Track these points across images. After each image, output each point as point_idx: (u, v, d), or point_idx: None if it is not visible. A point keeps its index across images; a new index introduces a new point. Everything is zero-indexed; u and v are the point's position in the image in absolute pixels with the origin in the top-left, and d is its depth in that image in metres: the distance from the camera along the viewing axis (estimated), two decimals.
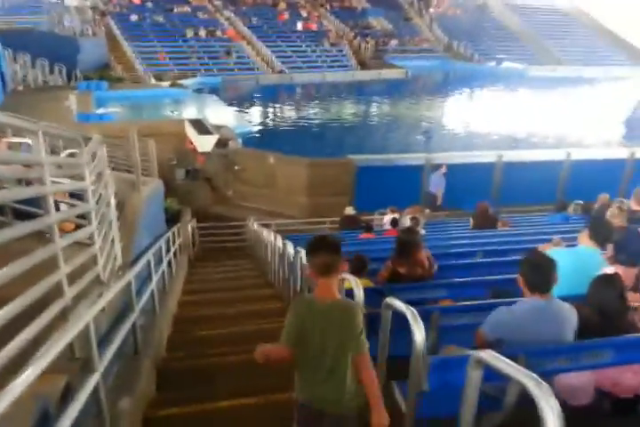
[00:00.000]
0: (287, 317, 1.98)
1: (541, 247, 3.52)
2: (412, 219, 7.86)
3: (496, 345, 2.46)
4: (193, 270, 9.14)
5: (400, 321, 2.40)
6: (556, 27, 38.27)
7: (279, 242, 6.92)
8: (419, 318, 2.25)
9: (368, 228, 7.80)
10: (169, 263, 6.22)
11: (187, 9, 31.12)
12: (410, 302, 3.08)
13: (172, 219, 10.06)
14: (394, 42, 33.31)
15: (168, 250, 6.28)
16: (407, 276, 3.97)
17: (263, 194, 12.51)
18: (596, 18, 40.38)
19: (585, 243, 3.33)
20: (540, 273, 2.41)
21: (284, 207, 12.12)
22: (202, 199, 13.20)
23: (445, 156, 12.90)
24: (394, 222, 8.03)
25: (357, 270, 4.16)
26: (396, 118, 21.66)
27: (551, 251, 3.32)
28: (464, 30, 35.87)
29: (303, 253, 5.00)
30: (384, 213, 10.49)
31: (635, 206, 6.59)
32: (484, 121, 20.73)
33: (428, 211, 11.36)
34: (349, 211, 9.42)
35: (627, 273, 3.26)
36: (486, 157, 13.27)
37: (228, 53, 27.71)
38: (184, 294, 6.99)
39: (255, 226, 9.54)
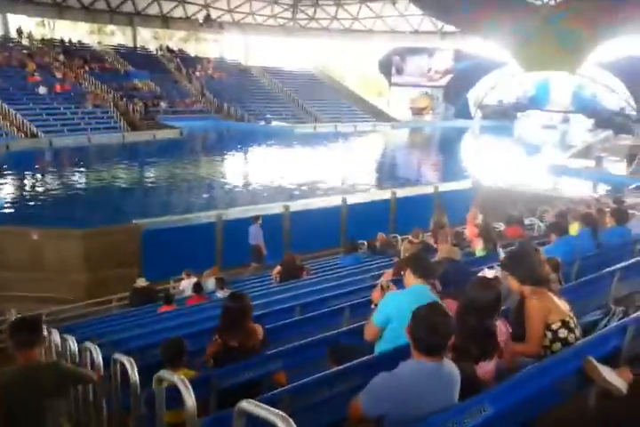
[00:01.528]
0: None
1: (375, 294, 3.20)
2: (218, 279, 7.16)
3: (380, 424, 1.96)
4: None
5: None
6: (309, 89, 42.87)
7: (56, 338, 5.45)
8: None
9: (167, 298, 6.79)
10: None
11: None
12: (243, 386, 2.49)
13: None
14: (164, 103, 32.91)
15: None
16: (240, 348, 3.30)
17: (28, 278, 10.27)
18: (339, 81, 46.62)
19: (412, 282, 3.12)
20: (436, 332, 2.00)
21: (57, 290, 10.07)
22: None
23: (237, 210, 12.61)
24: (197, 287, 7.16)
25: (172, 360, 3.30)
26: (176, 178, 20.85)
27: (390, 296, 3.02)
28: (231, 92, 37.58)
29: (94, 348, 3.85)
30: (179, 280, 9.51)
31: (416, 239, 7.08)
32: (266, 174, 21.35)
33: (253, 265, 10.82)
34: (141, 282, 8.20)
35: (455, 306, 3.12)
36: (273, 208, 13.43)
37: None
38: None
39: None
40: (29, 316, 2.89)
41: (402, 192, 15.48)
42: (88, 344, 4.00)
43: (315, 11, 44.17)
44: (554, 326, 2.73)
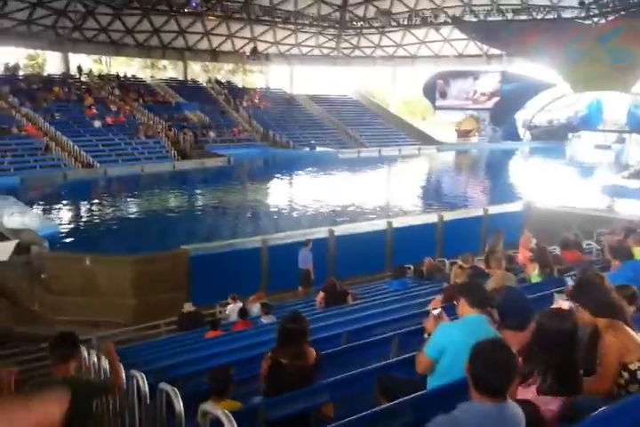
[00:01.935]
0: None
1: (428, 324, 3.01)
2: (263, 305, 7.09)
3: None
4: None
5: None
6: (353, 115, 43.30)
7: (104, 363, 5.50)
8: None
9: (214, 324, 6.76)
10: None
11: None
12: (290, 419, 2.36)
13: None
14: (212, 133, 33.98)
15: None
16: (291, 367, 3.23)
17: (81, 302, 10.56)
18: (383, 106, 46.86)
19: (467, 312, 2.91)
20: (498, 372, 1.83)
21: (109, 314, 10.32)
22: (0, 320, 10.66)
23: (282, 235, 12.64)
24: (242, 312, 7.11)
25: (219, 390, 3.23)
26: (224, 204, 21.26)
27: (443, 327, 2.83)
28: (277, 121, 38.45)
29: (140, 376, 3.84)
30: (225, 304, 9.54)
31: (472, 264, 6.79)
32: (311, 199, 21.42)
33: (300, 289, 10.80)
34: (188, 307, 8.24)
35: (515, 338, 2.89)
36: (318, 233, 13.39)
37: (46, 149, 25.73)
38: None
39: None
40: (65, 332, 3.04)
41: (450, 215, 15.16)
42: (134, 372, 3.98)
43: (359, 39, 44.94)
44: (631, 366, 2.45)
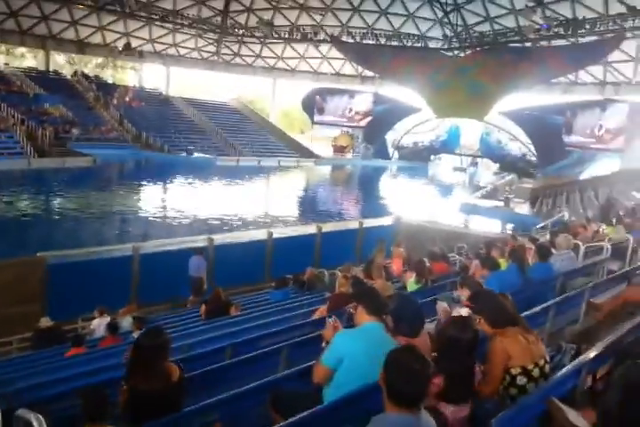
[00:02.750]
0: None
1: (326, 332, 2.96)
2: (136, 319, 6.55)
3: None
4: None
5: None
6: (233, 123, 42.88)
7: None
8: None
9: (76, 340, 6.08)
10: None
11: None
12: None
13: None
14: (76, 130, 31.22)
15: None
16: (149, 391, 2.89)
17: None
18: (263, 116, 47.12)
19: (364, 319, 2.93)
20: (416, 382, 1.80)
21: None
22: None
23: (156, 243, 11.92)
24: (112, 327, 6.49)
25: (94, 415, 2.85)
26: (88, 209, 19.55)
27: (341, 335, 2.80)
28: (151, 122, 36.57)
29: None
30: (90, 318, 8.69)
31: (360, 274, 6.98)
32: (187, 207, 20.61)
33: (191, 299, 10.14)
34: (45, 322, 7.34)
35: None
36: (195, 242, 12.90)
37: None
38: None
39: None
40: None
41: (328, 227, 15.55)
42: None
43: (239, 47, 44.76)
44: (513, 371, 2.65)
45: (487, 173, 40.53)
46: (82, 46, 39.36)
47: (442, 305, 3.45)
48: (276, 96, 49.80)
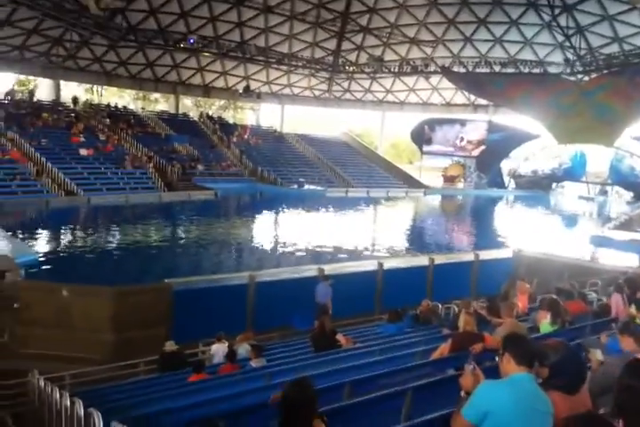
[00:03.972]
0: None
1: (465, 380, 2.63)
2: (254, 347, 6.61)
3: None
4: None
5: None
6: (342, 156, 43.79)
7: (66, 402, 5.04)
8: None
9: (197, 366, 6.25)
10: None
11: None
12: None
13: None
14: (200, 166, 33.84)
15: None
16: None
17: (54, 336, 9.86)
18: (372, 148, 47.58)
19: (513, 370, 2.53)
20: None
21: (83, 350, 9.61)
22: None
23: (272, 272, 12.22)
24: (231, 355, 6.61)
25: None
26: (209, 238, 20.76)
27: (487, 386, 2.46)
28: (266, 157, 38.60)
29: (96, 415, 3.51)
30: (209, 344, 8.98)
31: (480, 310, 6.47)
32: (299, 237, 21.08)
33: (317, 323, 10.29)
34: (170, 346, 7.69)
35: (564, 403, 2.54)
36: (306, 271, 13.03)
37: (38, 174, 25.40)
38: None
39: (42, 382, 7.08)
40: None
41: (440, 258, 14.93)
42: (92, 411, 3.69)
43: (350, 83, 46.05)
44: None
45: (619, 202, 36.85)
46: (207, 90, 43.08)
47: (595, 354, 2.97)
48: (385, 128, 50.21)
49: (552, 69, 36.23)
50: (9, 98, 33.37)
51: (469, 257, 15.16)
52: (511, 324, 5.17)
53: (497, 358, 2.64)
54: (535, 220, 30.76)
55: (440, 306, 11.01)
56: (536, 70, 36.88)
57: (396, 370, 4.73)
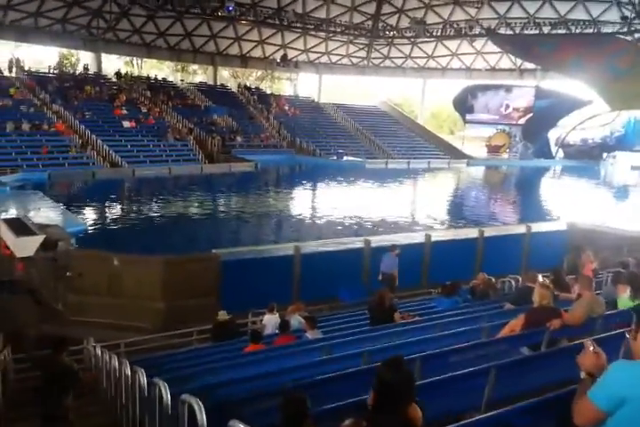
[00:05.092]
0: None
1: (585, 359, 2.28)
2: (308, 319, 6.46)
3: None
4: None
5: None
6: (381, 126, 42.78)
7: (127, 370, 5.02)
8: None
9: (255, 336, 6.14)
10: None
11: (7, 102, 28.03)
12: None
13: None
14: (240, 138, 33.73)
15: None
16: None
17: (106, 303, 10.05)
18: (412, 118, 46.26)
19: None
20: None
21: (134, 318, 9.78)
22: (22, 318, 10.18)
23: (317, 243, 12.07)
24: (284, 326, 6.49)
25: (296, 421, 2.61)
26: (251, 210, 20.76)
27: (620, 366, 2.13)
28: (304, 129, 38.09)
29: (162, 385, 3.43)
30: (258, 313, 8.94)
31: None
32: (343, 209, 20.78)
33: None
34: (223, 316, 7.63)
35: None
36: (352, 243, 12.81)
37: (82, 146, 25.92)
38: None
39: (98, 350, 7.17)
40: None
41: (489, 231, 14.40)
42: (157, 380, 3.76)
43: (389, 49, 44.57)
44: None
45: None
46: (244, 60, 42.54)
47: None
48: (426, 96, 48.64)
49: (607, 29, 33.81)
50: (56, 71, 33.88)
51: (520, 229, 14.60)
52: (591, 298, 4.79)
53: (627, 335, 2.27)
54: (586, 191, 29.43)
55: (493, 280, 10.62)
56: (589, 30, 34.52)
57: (467, 346, 4.45)
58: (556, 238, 13.89)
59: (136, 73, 43.21)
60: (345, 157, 34.75)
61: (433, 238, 13.15)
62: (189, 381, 4.54)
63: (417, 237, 13.74)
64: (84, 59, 39.77)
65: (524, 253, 13.56)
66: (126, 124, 30.04)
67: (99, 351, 7.15)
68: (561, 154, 40.76)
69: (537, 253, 13.17)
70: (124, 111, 31.31)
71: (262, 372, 4.51)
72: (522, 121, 40.01)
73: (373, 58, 45.49)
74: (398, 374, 2.37)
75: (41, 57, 39.64)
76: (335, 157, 34.52)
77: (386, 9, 40.31)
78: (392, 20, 41.12)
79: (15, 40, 33.35)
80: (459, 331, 5.49)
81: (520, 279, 9.06)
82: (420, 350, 4.56)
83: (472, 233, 14.20)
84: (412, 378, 2.45)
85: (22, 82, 30.59)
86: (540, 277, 7.27)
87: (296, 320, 7.35)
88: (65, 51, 42.42)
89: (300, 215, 20.23)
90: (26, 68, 32.64)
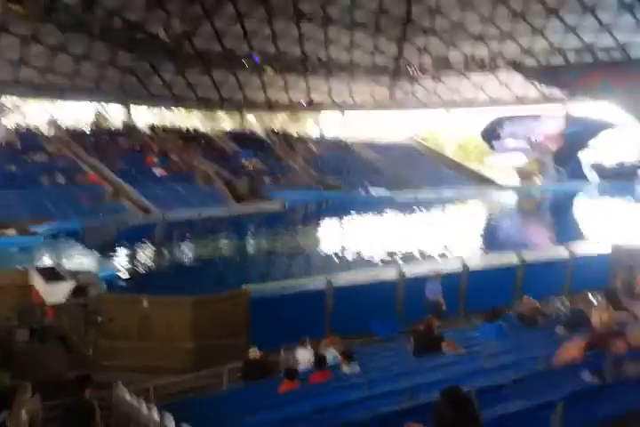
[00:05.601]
0: None
1: None
2: (344, 353, 6.02)
3: None
4: None
5: None
6: (408, 159, 42.56)
7: (155, 416, 4.66)
8: None
9: (290, 373, 5.71)
10: None
11: (44, 157, 29.18)
12: None
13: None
14: (268, 179, 34.04)
15: None
16: None
17: (136, 347, 9.80)
18: (439, 149, 45.99)
19: None
20: None
21: (163, 359, 9.48)
22: (53, 365, 10.00)
23: (349, 276, 11.68)
24: (320, 361, 6.04)
25: None
26: (281, 247, 20.58)
27: None
28: (331, 166, 38.21)
29: None
30: (290, 349, 8.49)
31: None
32: (379, 241, 20.34)
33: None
34: (254, 353, 7.24)
35: None
36: (385, 274, 12.37)
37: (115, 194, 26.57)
38: None
39: (127, 395, 6.83)
40: None
41: (528, 257, 13.70)
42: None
43: (413, 87, 44.86)
44: None
45: None
46: (270, 105, 43.63)
47: None
48: (452, 128, 48.50)
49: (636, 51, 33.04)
50: (94, 128, 35.53)
51: (563, 253, 13.88)
52: None
53: None
54: (624, 213, 28.20)
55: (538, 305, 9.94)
56: (616, 55, 33.87)
57: (525, 377, 3.94)
58: (599, 262, 13.19)
59: (167, 123, 44.63)
60: (373, 192, 34.47)
61: (470, 266, 12.63)
62: (220, 424, 4.16)
63: (453, 266, 13.17)
64: (112, 109, 41.53)
65: (568, 277, 12.89)
66: (157, 171, 30.74)
67: (127, 396, 6.82)
68: (595, 175, 39.71)
69: (580, 277, 12.53)
70: (156, 159, 32.15)
71: (305, 411, 4.09)
72: (553, 147, 39.38)
73: (397, 96, 45.78)
74: (459, 412, 1.94)
75: (74, 109, 41.52)
76: (363, 192, 34.28)
77: (408, 49, 40.94)
78: (414, 59, 41.58)
79: (51, 98, 35.24)
80: (511, 360, 4.97)
81: (567, 302, 8.45)
82: (471, 382, 4.08)
83: (511, 258, 13.59)
84: (477, 417, 2.01)
85: (59, 139, 31.90)
86: (593, 299, 6.71)
87: (331, 354, 6.92)
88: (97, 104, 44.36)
89: (329, 252, 19.87)
90: (63, 127, 34.12)
